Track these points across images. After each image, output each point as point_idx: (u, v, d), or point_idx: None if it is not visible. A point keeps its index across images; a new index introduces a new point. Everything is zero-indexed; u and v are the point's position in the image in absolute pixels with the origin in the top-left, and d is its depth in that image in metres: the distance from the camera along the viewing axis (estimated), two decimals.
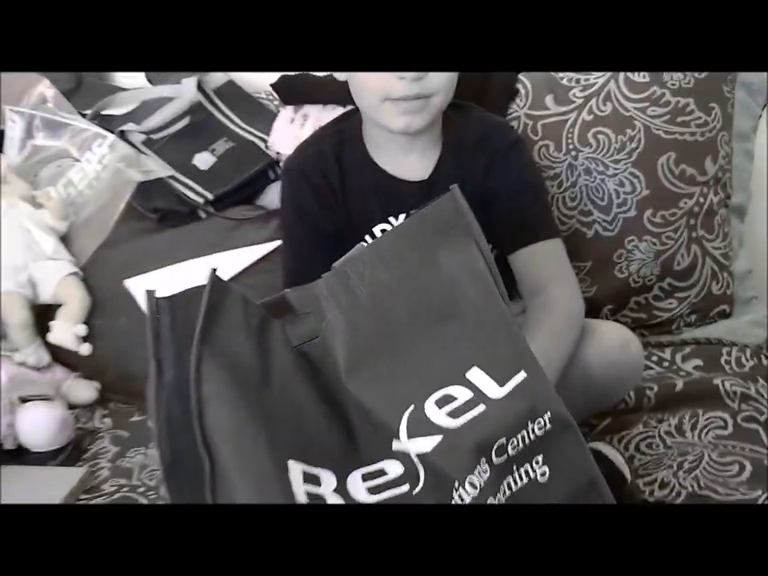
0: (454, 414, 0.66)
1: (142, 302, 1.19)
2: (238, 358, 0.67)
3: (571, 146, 1.24)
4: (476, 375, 0.68)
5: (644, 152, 1.21)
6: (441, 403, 0.67)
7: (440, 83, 0.98)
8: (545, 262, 1.03)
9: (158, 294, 0.67)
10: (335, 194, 1.07)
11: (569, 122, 1.24)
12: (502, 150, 1.07)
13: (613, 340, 0.98)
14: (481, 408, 0.66)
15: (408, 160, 1.07)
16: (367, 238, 1.08)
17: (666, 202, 1.22)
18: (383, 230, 1.08)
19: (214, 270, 0.68)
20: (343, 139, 1.10)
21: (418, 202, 1.06)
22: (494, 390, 0.67)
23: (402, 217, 1.08)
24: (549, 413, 0.67)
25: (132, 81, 1.51)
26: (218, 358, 0.66)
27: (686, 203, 1.22)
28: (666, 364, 1.17)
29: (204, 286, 0.67)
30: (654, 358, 1.18)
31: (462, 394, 0.67)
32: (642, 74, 1.23)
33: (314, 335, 0.72)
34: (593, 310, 1.21)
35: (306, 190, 1.07)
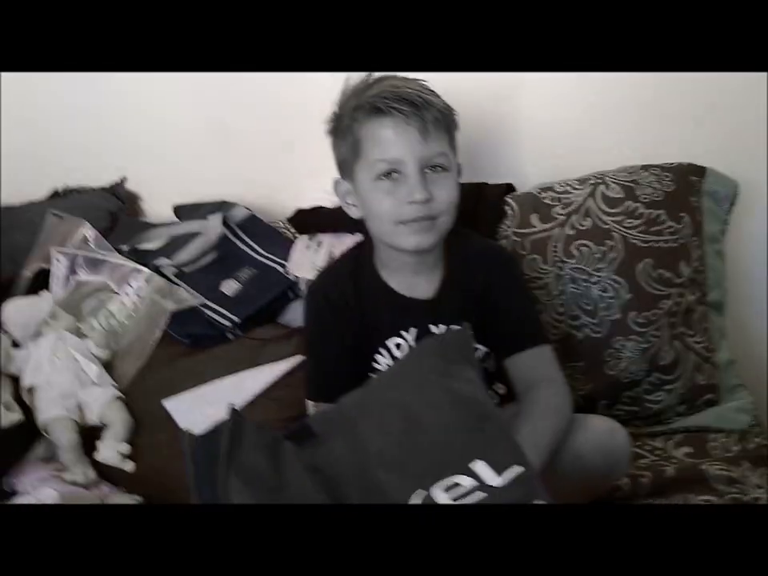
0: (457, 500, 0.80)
1: (179, 420, 1.33)
2: (256, 471, 0.85)
3: (557, 259, 1.37)
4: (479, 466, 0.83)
5: (623, 260, 1.35)
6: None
7: (445, 205, 1.13)
8: (535, 366, 1.16)
9: (194, 432, 0.88)
10: (353, 312, 1.21)
11: (553, 237, 1.38)
12: (497, 269, 1.22)
13: (600, 428, 1.10)
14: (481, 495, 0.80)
15: (416, 280, 1.21)
16: (381, 350, 1.22)
17: (647, 303, 1.35)
18: (397, 344, 1.21)
19: (234, 407, 0.90)
20: (358, 265, 1.25)
21: (426, 317, 1.24)
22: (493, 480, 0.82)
23: (412, 330, 1.21)
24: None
25: (162, 217, 1.69)
26: (240, 473, 0.84)
27: (665, 304, 1.35)
28: (658, 452, 1.27)
29: (226, 420, 0.88)
30: (648, 447, 1.28)
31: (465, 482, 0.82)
32: (616, 190, 1.38)
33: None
34: (589, 404, 1.34)
35: (327, 309, 1.21)
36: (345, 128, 1.14)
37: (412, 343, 1.22)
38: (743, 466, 1.18)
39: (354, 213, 1.20)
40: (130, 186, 1.71)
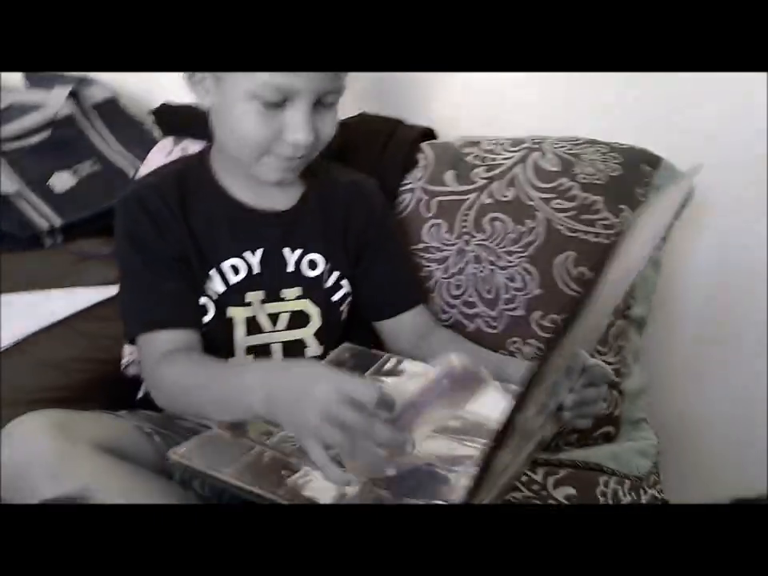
0: None
1: None
2: None
3: (465, 230, 1.11)
4: None
5: (541, 247, 1.09)
6: None
7: (323, 143, 0.93)
8: (418, 323, 1.06)
9: None
10: (178, 225, 0.95)
11: (466, 203, 1.12)
12: (375, 201, 1.06)
13: None
14: None
15: (267, 190, 0.97)
16: (212, 273, 0.96)
17: (558, 305, 1.10)
18: (234, 266, 0.97)
19: None
20: (189, 167, 1.00)
21: (277, 236, 0.98)
22: None
23: (258, 251, 0.97)
24: None
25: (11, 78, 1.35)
26: None
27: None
28: (535, 487, 1.03)
29: None
30: (525, 478, 1.05)
31: None
32: (553, 162, 1.13)
33: None
34: None
35: (141, 218, 0.94)
36: None
37: (256, 267, 0.97)
38: None
39: (204, 101, 0.94)
40: None
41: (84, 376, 1.03)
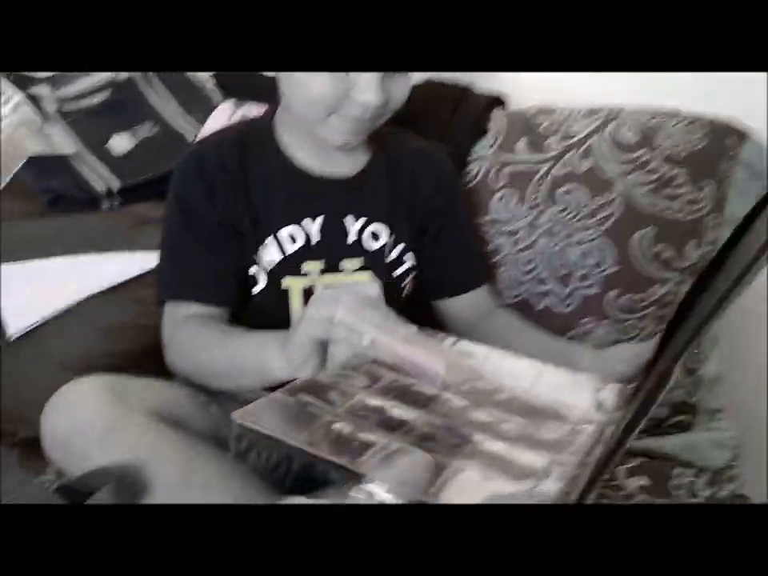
0: None
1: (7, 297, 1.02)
2: None
3: (536, 202, 1.05)
4: None
5: (619, 222, 1.03)
6: None
7: (393, 107, 0.87)
8: (479, 305, 1.02)
9: None
10: (236, 186, 0.91)
11: (539, 173, 1.06)
12: (444, 170, 1.01)
13: None
14: None
15: (331, 154, 0.92)
16: (269, 241, 0.91)
17: (635, 284, 1.03)
18: (292, 236, 0.92)
19: None
20: (252, 129, 0.95)
21: (340, 203, 0.92)
22: None
23: (319, 219, 0.92)
24: None
25: None
26: None
27: (658, 289, 1.03)
28: (605, 477, 0.97)
29: None
30: None
31: None
32: (632, 132, 1.06)
33: None
34: None
35: (195, 179, 0.91)
36: None
37: (315, 236, 0.92)
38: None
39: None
40: None
41: (137, 343, 1.00)
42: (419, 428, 0.66)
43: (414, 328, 0.73)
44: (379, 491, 0.42)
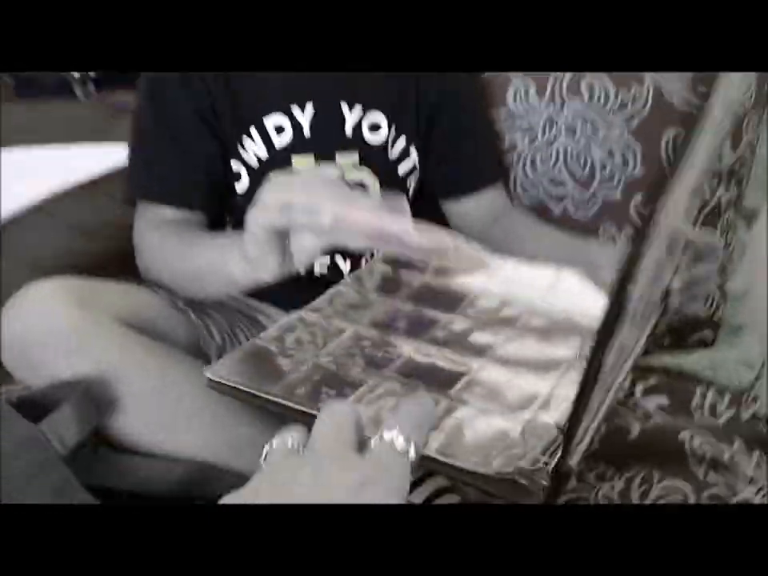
0: None
1: None
2: None
3: (557, 93, 0.95)
4: None
5: (648, 120, 0.93)
6: None
7: None
8: (495, 206, 0.93)
9: None
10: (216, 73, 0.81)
11: None
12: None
13: None
14: None
15: None
16: (253, 131, 0.83)
17: (663, 189, 0.94)
18: (278, 127, 0.83)
19: None
20: None
21: (332, 87, 0.83)
22: None
23: (309, 106, 0.83)
24: None
25: None
26: None
27: None
28: (622, 394, 0.91)
29: None
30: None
31: None
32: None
33: None
34: None
35: None
36: None
37: (305, 126, 0.83)
38: (734, 445, 0.83)
39: None
40: None
41: (113, 243, 0.92)
42: (412, 361, 0.63)
43: (380, 199, 0.64)
44: (399, 439, 0.37)
